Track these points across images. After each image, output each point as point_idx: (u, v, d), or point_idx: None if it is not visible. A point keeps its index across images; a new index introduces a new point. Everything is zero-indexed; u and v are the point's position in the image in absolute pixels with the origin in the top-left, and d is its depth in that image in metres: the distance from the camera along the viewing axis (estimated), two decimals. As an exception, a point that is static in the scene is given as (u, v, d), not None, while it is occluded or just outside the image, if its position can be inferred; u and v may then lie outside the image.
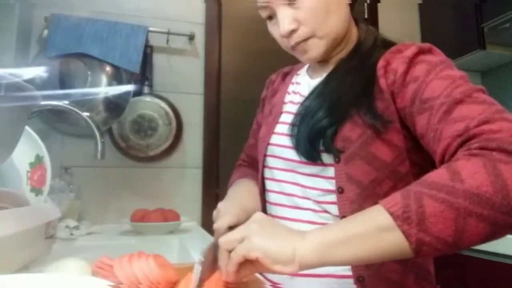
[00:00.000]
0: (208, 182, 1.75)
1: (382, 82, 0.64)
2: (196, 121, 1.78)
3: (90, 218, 1.51)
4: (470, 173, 0.44)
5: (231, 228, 0.65)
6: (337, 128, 0.64)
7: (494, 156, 0.45)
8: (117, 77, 1.58)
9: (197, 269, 0.51)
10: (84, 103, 1.48)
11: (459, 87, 0.55)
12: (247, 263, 0.49)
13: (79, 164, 1.57)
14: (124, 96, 1.54)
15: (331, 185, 0.65)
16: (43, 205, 0.75)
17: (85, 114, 0.87)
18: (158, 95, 1.72)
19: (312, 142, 0.65)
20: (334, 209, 0.65)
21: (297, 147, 0.68)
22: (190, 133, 1.77)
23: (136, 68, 1.57)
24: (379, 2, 2.04)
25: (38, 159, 0.77)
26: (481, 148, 0.47)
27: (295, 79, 0.83)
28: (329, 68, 0.74)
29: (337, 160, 0.64)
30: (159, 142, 1.69)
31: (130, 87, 1.55)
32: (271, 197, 0.75)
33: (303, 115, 0.69)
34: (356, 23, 0.76)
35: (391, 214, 0.44)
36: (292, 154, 0.69)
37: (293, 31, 0.67)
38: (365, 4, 2.08)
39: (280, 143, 0.73)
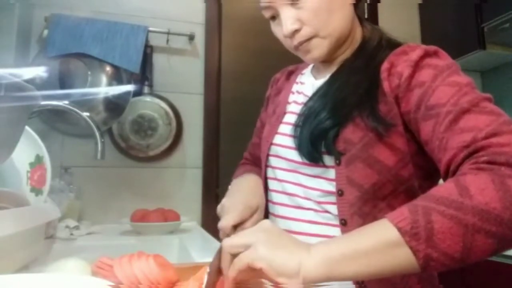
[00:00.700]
0: (208, 182, 1.75)
1: (385, 85, 0.63)
2: (196, 121, 1.78)
3: (90, 218, 1.52)
4: (479, 188, 0.44)
5: (235, 227, 0.66)
6: (338, 130, 0.64)
7: (502, 172, 0.45)
8: (117, 77, 1.58)
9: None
10: (84, 103, 1.48)
11: (466, 95, 0.54)
12: (250, 270, 0.48)
13: (79, 164, 1.57)
14: (124, 96, 1.54)
15: (332, 186, 0.65)
16: (43, 205, 0.75)
17: (85, 114, 0.87)
18: (158, 95, 1.72)
19: (314, 144, 0.65)
20: (334, 210, 0.65)
21: (299, 148, 0.67)
22: (190, 133, 1.77)
23: (136, 68, 1.57)
24: (379, 2, 2.04)
25: (38, 159, 0.77)
26: (489, 162, 0.46)
27: (299, 78, 0.82)
28: (333, 68, 0.73)
29: (338, 162, 0.63)
30: (159, 142, 1.69)
31: (130, 87, 1.55)
32: (273, 196, 0.75)
33: (306, 116, 0.69)
34: (361, 22, 0.75)
35: (399, 229, 0.44)
36: (294, 154, 0.69)
37: (296, 31, 0.67)
38: (365, 4, 2.08)
39: (283, 143, 0.73)
